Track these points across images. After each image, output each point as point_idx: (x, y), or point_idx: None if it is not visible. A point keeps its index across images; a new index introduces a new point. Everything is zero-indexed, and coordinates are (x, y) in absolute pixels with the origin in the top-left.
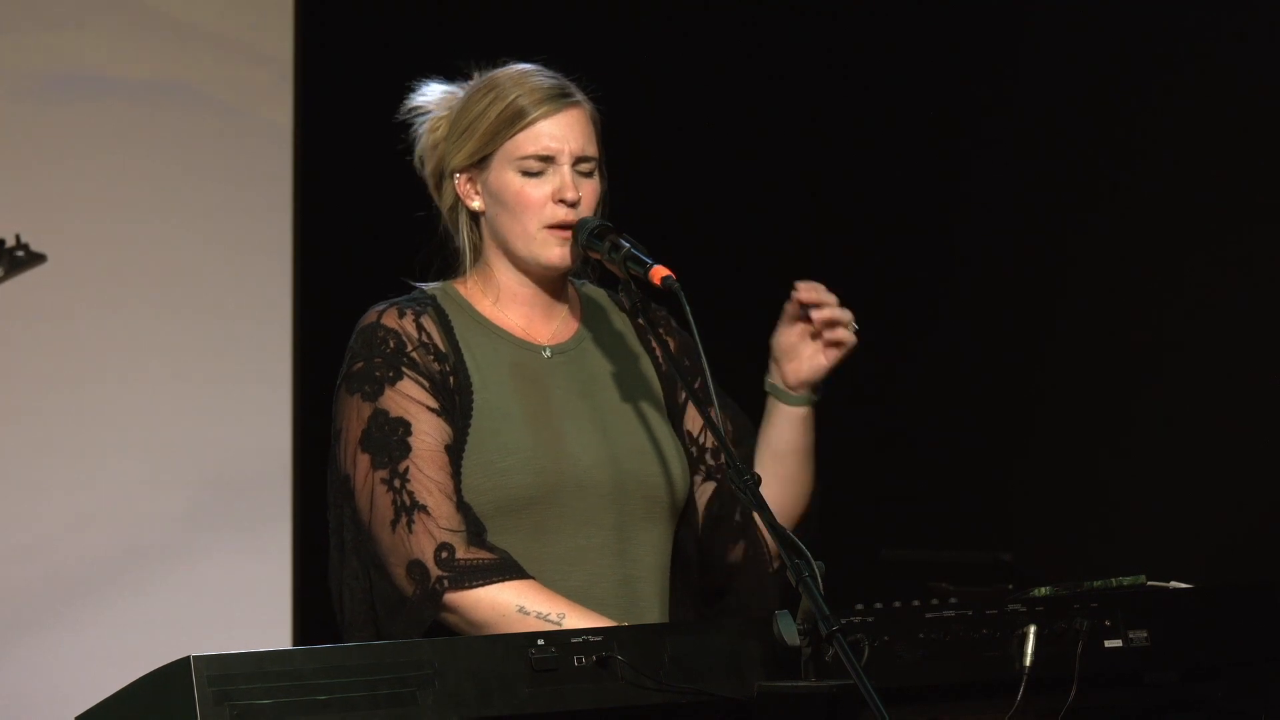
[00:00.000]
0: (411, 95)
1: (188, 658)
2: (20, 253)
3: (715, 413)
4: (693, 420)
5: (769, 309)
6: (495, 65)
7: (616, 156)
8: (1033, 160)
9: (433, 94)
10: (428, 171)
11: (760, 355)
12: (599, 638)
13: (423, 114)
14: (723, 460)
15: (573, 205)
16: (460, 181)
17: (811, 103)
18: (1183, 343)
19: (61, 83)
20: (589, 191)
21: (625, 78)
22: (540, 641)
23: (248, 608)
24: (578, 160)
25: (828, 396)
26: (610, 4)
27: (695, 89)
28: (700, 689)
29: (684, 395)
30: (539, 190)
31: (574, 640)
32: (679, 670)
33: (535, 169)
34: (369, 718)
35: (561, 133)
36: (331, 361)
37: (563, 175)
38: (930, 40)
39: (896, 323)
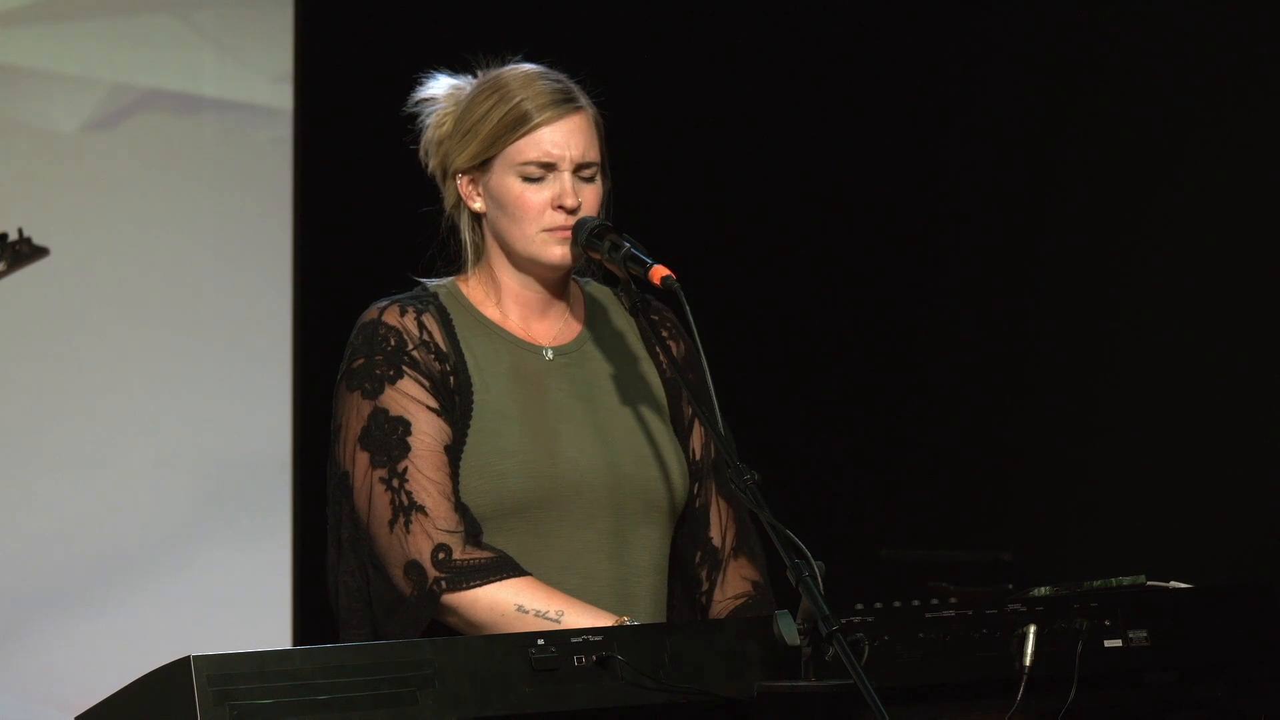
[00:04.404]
0: (419, 87)
1: (188, 658)
2: (23, 247)
3: (716, 414)
4: (698, 436)
5: (769, 309)
6: (503, 61)
7: (617, 156)
8: (1034, 158)
9: (440, 87)
10: (432, 165)
11: (759, 354)
12: (599, 638)
13: (429, 106)
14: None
15: (572, 211)
16: (462, 183)
17: (811, 102)
18: (1183, 343)
19: (62, 84)
20: (590, 196)
21: (626, 76)
22: (540, 641)
23: (248, 608)
24: (579, 167)
25: (828, 397)
26: (610, 4)
27: (695, 88)
28: (700, 689)
29: (690, 409)
30: (539, 196)
31: (574, 640)
32: (679, 670)
33: (536, 175)
34: (369, 718)
35: (563, 139)
36: (332, 363)
37: (563, 182)
38: (930, 40)
39: (895, 322)
